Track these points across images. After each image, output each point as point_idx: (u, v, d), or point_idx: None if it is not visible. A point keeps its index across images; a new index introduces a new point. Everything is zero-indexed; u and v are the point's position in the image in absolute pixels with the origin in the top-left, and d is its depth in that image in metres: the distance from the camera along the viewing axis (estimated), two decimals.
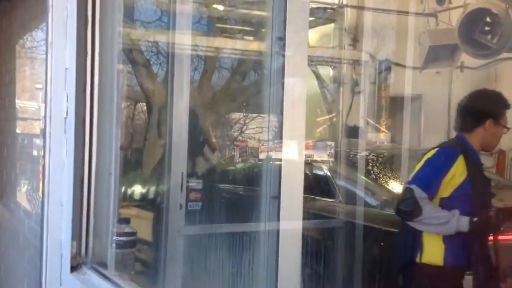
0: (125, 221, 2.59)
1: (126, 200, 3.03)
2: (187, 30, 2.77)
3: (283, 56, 1.46)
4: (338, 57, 8.55)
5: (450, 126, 9.75)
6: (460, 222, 2.94)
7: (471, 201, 3.05)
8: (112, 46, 2.52)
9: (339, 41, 8.66)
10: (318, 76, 8.67)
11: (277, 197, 1.55)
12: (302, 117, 1.57)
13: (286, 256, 1.54)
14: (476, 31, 7.32)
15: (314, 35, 9.28)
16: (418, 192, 2.96)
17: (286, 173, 1.54)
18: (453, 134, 10.40)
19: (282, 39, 1.44)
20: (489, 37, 7.38)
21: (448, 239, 3.02)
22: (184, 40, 2.72)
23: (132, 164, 3.29)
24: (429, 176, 3.07)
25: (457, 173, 3.03)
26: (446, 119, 9.88)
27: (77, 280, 2.44)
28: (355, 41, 8.71)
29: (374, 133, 8.13)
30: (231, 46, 7.75)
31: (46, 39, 2.56)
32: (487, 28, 7.43)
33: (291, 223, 1.55)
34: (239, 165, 6.05)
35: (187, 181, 2.81)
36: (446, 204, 3.05)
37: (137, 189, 3.07)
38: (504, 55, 8.24)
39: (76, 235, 2.53)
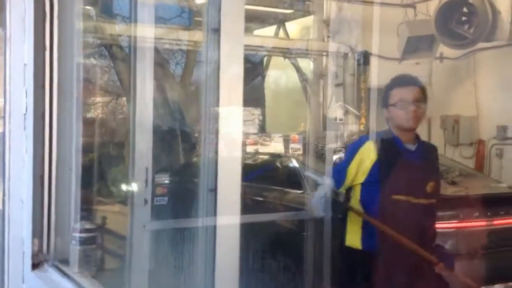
0: (86, 217, 2.56)
1: (93, 195, 3.01)
2: (148, 22, 2.73)
3: (218, 48, 1.46)
4: (318, 49, 8.54)
5: (431, 117, 9.87)
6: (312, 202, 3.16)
7: (381, 186, 3.05)
8: (72, 40, 2.50)
9: (318, 33, 8.65)
10: (298, 69, 8.65)
11: (214, 190, 1.54)
12: (239, 109, 1.56)
13: (223, 250, 1.53)
14: (453, 21, 7.34)
15: (294, 27, 9.27)
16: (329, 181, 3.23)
17: (222, 166, 1.53)
18: (433, 125, 10.33)
19: (217, 30, 1.43)
20: (465, 27, 7.41)
21: (366, 224, 3.07)
22: (144, 32, 2.69)
23: (104, 159, 3.27)
24: (338, 166, 3.28)
25: (364, 158, 3.07)
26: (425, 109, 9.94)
27: (38, 278, 2.42)
28: (335, 33, 8.69)
29: (354, 125, 8.13)
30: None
31: (4, 35, 2.52)
32: (463, 18, 7.45)
33: (228, 217, 1.54)
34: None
35: (153, 176, 2.77)
36: (363, 189, 3.10)
37: (106, 184, 3.05)
38: (482, 45, 8.28)
39: (37, 232, 2.51)
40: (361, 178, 3.07)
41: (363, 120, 8.29)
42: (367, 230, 3.07)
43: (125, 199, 2.45)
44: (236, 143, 1.56)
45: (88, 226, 2.46)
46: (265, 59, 9.82)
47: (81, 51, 2.55)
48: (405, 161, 3.06)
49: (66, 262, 2.50)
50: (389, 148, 3.07)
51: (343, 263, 3.25)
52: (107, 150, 3.28)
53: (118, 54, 7.19)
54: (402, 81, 3.12)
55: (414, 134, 3.12)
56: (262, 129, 9.40)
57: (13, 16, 2.47)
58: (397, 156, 3.05)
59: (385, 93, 3.12)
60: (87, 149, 2.94)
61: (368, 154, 3.06)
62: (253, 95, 12.23)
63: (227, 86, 1.47)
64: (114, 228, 2.86)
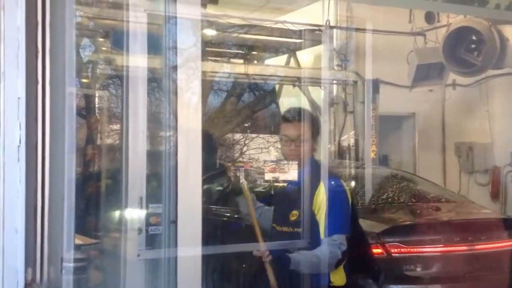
0: (76, 247, 2.61)
1: (86, 224, 3.06)
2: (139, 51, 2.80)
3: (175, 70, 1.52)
4: (328, 77, 8.59)
5: (445, 144, 9.83)
6: None
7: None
8: (64, 74, 2.58)
9: (329, 62, 8.72)
10: (308, 97, 8.71)
11: (175, 221, 1.57)
12: (198, 136, 1.60)
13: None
14: (461, 49, 7.37)
15: (305, 56, 9.36)
16: None
17: (182, 197, 1.56)
18: (448, 153, 10.29)
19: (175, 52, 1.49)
20: (474, 54, 7.42)
21: None
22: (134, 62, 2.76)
23: (98, 188, 3.33)
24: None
25: None
26: (440, 137, 9.92)
27: None
28: (345, 61, 8.76)
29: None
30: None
31: None
32: (472, 46, 7.47)
33: (189, 249, 1.57)
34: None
35: (147, 206, 2.82)
36: None
37: (98, 214, 3.10)
38: (494, 72, 8.29)
39: (30, 262, 2.56)
40: None
41: (374, 148, 8.29)
42: None
43: (119, 228, 2.49)
44: (195, 172, 1.60)
45: (78, 255, 2.50)
46: (277, 87, 9.91)
47: (74, 83, 2.62)
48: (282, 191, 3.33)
49: None
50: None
51: None
52: (101, 179, 3.34)
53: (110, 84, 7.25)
54: (287, 115, 3.20)
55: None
56: (279, 157, 9.45)
57: (7, 53, 2.55)
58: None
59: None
60: (80, 178, 3.00)
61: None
62: (268, 123, 12.32)
63: (185, 113, 1.52)
64: (107, 256, 2.90)
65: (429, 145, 9.74)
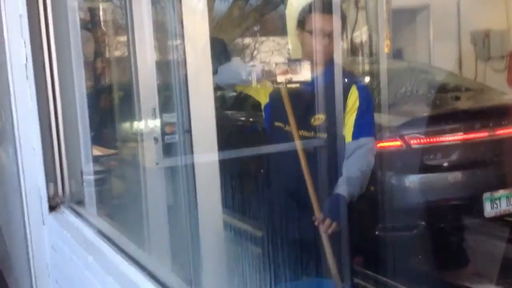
0: (95, 159, 2.66)
1: (101, 138, 3.09)
2: None
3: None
4: None
5: (461, 33, 9.63)
6: None
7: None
8: None
9: None
10: None
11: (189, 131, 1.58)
12: (207, 44, 1.57)
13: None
14: None
15: None
16: None
17: (194, 106, 1.56)
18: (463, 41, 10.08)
19: None
20: None
21: None
22: None
23: (111, 102, 3.33)
24: None
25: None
26: (456, 27, 9.70)
27: (56, 220, 2.54)
28: None
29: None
30: None
31: None
32: None
33: (205, 156, 1.59)
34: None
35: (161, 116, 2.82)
36: None
37: (114, 126, 3.12)
38: None
39: (51, 177, 2.62)
40: None
41: (388, 43, 8.14)
42: None
43: (136, 139, 2.51)
44: (206, 84, 1.58)
45: (98, 167, 2.55)
46: None
47: None
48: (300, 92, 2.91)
49: (81, 203, 2.61)
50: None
51: None
52: (113, 92, 3.33)
53: None
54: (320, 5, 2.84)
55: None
56: (290, 58, 9.29)
57: None
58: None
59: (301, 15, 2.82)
60: (93, 92, 3.00)
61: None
62: (276, 24, 12.10)
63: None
64: (127, 166, 2.95)
65: (444, 36, 9.55)
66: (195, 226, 1.65)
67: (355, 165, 2.60)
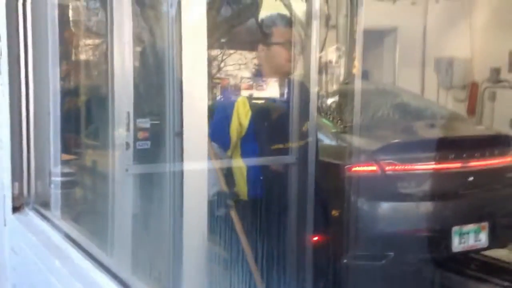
0: (65, 161, 2.58)
1: (73, 140, 3.00)
2: None
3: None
4: None
5: (425, 59, 9.79)
6: None
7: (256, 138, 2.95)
8: None
9: None
10: (290, 11, 8.51)
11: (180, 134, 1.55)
12: (204, 51, 1.55)
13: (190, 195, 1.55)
14: None
15: None
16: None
17: (188, 110, 1.53)
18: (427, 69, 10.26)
19: None
20: None
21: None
22: None
23: (85, 102, 3.24)
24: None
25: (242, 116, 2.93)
26: (421, 52, 9.85)
27: (19, 221, 2.45)
28: None
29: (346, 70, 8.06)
30: None
31: None
32: None
33: (195, 162, 1.56)
34: None
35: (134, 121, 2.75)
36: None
37: (87, 129, 3.03)
38: None
39: (17, 175, 2.53)
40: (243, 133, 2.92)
41: (356, 63, 8.22)
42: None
43: (107, 144, 2.45)
44: (201, 86, 1.55)
45: (67, 170, 2.47)
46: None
47: None
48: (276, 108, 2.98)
49: (46, 205, 2.53)
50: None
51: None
52: (88, 93, 3.26)
53: None
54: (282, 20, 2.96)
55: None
56: (257, 73, 9.28)
57: None
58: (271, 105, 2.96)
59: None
60: (66, 93, 2.91)
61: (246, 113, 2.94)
62: (247, 38, 12.09)
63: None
64: (95, 172, 2.87)
65: (410, 61, 9.69)
66: (177, 233, 1.61)
67: None
